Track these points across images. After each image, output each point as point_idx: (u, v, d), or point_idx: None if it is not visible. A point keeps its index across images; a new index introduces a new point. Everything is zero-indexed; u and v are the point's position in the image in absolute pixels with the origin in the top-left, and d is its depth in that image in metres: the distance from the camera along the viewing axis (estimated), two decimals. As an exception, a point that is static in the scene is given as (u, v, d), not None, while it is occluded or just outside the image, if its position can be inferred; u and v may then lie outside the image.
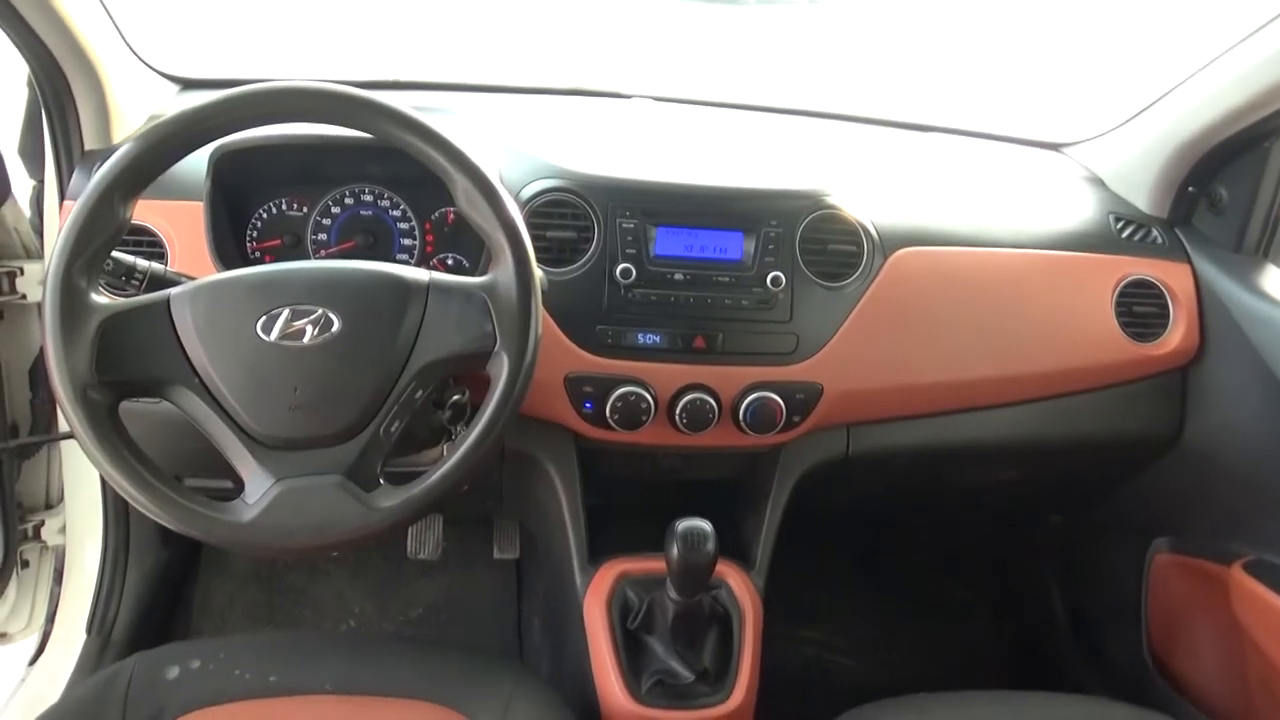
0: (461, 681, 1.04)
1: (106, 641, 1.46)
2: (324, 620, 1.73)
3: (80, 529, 1.46)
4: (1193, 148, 1.29)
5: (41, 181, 1.30)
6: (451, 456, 0.89)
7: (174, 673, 1.02)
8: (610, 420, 1.14)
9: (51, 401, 1.39)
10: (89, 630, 1.46)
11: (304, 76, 1.59)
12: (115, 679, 1.01)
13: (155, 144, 0.85)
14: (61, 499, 1.47)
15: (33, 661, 1.48)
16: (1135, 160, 1.40)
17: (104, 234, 0.85)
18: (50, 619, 1.50)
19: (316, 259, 1.21)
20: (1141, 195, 1.39)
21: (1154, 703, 1.08)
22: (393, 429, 0.89)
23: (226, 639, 1.09)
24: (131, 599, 1.48)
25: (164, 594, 1.60)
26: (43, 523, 1.46)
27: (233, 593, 1.73)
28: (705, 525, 1.02)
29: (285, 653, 1.07)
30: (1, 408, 1.33)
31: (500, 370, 0.89)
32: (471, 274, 1.22)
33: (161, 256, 1.14)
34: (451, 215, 1.21)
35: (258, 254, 1.21)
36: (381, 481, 0.89)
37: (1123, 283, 1.29)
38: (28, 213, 1.34)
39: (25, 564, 1.47)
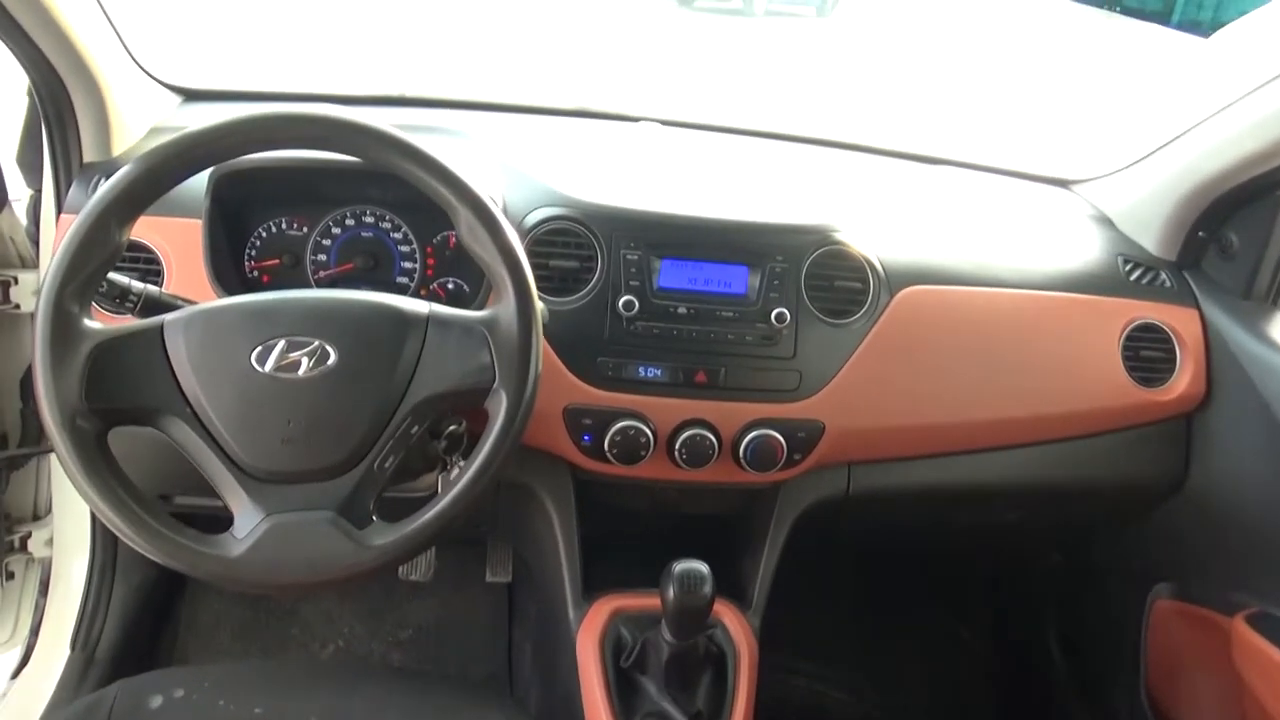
0: (449, 715, 1.02)
1: (91, 659, 1.44)
2: (313, 640, 1.70)
3: (68, 542, 1.44)
4: (1204, 192, 1.28)
5: (39, 191, 1.28)
6: (446, 494, 0.87)
7: (157, 702, 1.00)
8: (609, 454, 1.13)
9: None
10: (73, 646, 1.43)
11: (308, 91, 1.60)
12: (97, 707, 0.99)
13: (153, 168, 0.84)
14: (50, 511, 1.45)
15: (15, 675, 1.46)
16: (1145, 201, 1.39)
17: (99, 258, 0.83)
18: (35, 632, 1.48)
19: (316, 282, 1.19)
20: (1150, 237, 1.38)
21: None
22: (387, 464, 0.87)
23: (211, 667, 1.07)
24: (117, 616, 1.46)
25: (150, 611, 1.57)
26: (30, 534, 1.45)
27: (220, 612, 1.71)
28: (702, 567, 1.00)
29: (271, 683, 1.05)
30: (-10, 421, 1.31)
31: (499, 408, 0.88)
32: (472, 299, 1.21)
33: (158, 274, 1.12)
34: (453, 239, 1.19)
35: (255, 273, 1.19)
36: (374, 518, 0.87)
37: (1130, 326, 1.28)
38: (24, 222, 1.32)
39: (10, 575, 1.45)
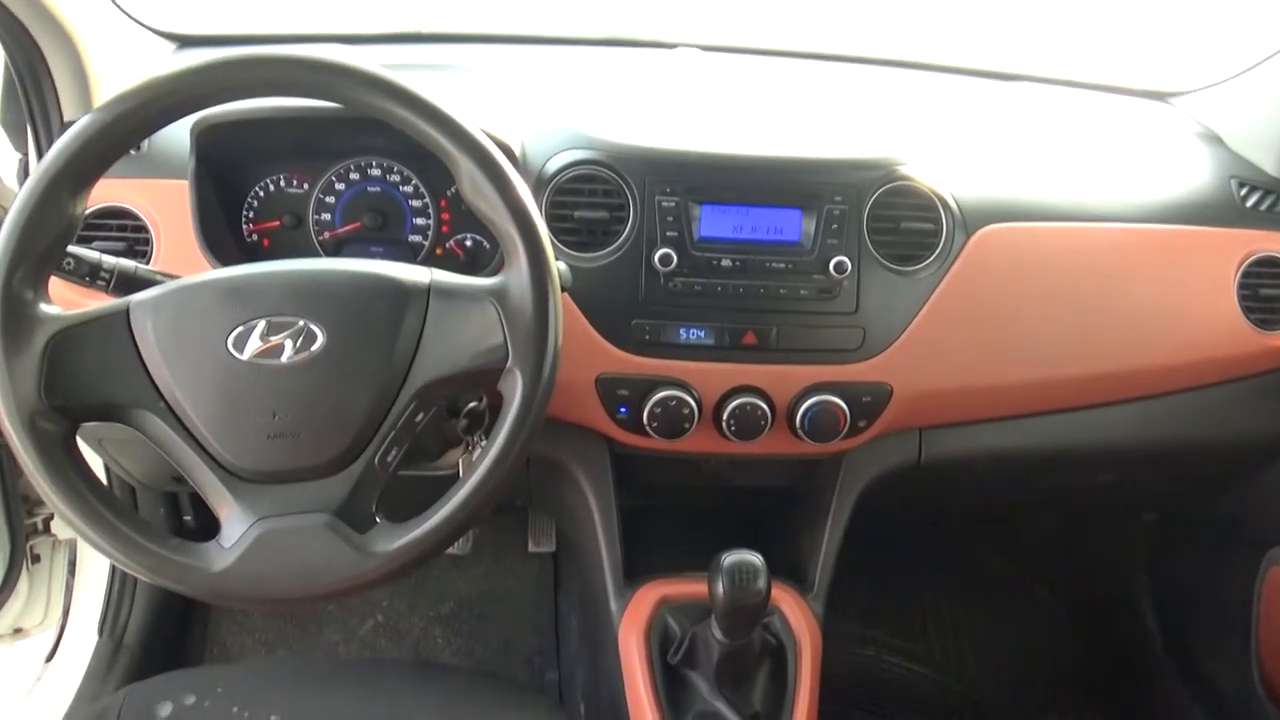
0: (481, 717, 0.93)
1: (119, 645, 1.39)
2: (351, 617, 1.64)
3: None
4: (1338, 100, 1.10)
5: (27, 155, 1.19)
6: (459, 491, 0.76)
7: (166, 710, 0.93)
8: (648, 427, 1.02)
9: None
10: (100, 632, 1.39)
11: (314, 31, 1.47)
12: (104, 717, 0.92)
13: (103, 128, 0.72)
14: (70, 491, 1.40)
15: (49, 658, 1.43)
16: (1262, 113, 1.22)
17: (50, 234, 0.73)
18: (66, 613, 1.44)
19: (320, 244, 1.08)
20: (1270, 155, 1.21)
21: None
22: (389, 458, 0.77)
23: (224, 668, 1.00)
24: (144, 598, 1.41)
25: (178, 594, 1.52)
26: (51, 516, 1.40)
27: (253, 588, 1.65)
28: (755, 559, 0.89)
29: (287, 685, 0.97)
30: None
31: (514, 390, 0.76)
32: (493, 257, 1.09)
33: (146, 243, 1.02)
34: None
35: (255, 237, 1.09)
36: (378, 520, 0.76)
37: (1247, 261, 1.12)
38: (15, 188, 1.23)
39: (36, 559, 1.41)
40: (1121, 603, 1.59)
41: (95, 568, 1.39)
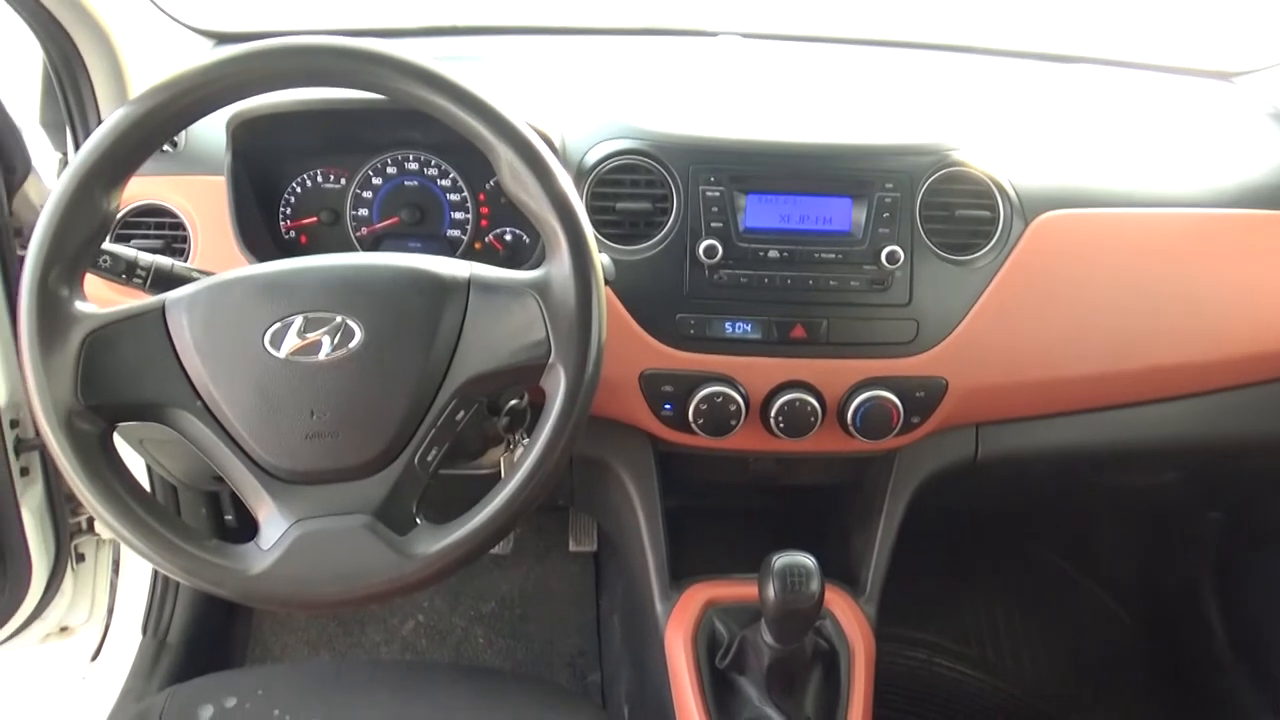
0: None
1: (162, 643, 1.40)
2: (392, 616, 1.63)
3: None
4: None
5: (66, 154, 1.19)
6: (500, 492, 0.74)
7: (208, 713, 0.93)
8: (694, 424, 0.99)
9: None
10: (144, 630, 1.39)
11: (352, 26, 1.46)
12: (146, 717, 0.91)
13: (137, 122, 0.71)
14: (114, 490, 1.40)
15: (94, 658, 1.44)
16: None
17: (85, 231, 0.72)
18: (111, 612, 1.44)
19: (358, 240, 1.07)
20: (1346, 135, 1.14)
21: None
22: (429, 458, 0.75)
23: (267, 669, 0.99)
24: (187, 597, 1.42)
25: None
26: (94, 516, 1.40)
27: (295, 588, 1.65)
28: (807, 560, 0.85)
29: (331, 687, 0.96)
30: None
31: (556, 386, 0.73)
32: (532, 251, 1.07)
33: (184, 240, 1.01)
34: None
35: (292, 234, 1.07)
36: (418, 521, 0.74)
37: None
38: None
39: (81, 558, 1.41)
40: (1185, 604, 1.53)
41: (139, 567, 1.39)
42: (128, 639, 1.39)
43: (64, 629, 1.47)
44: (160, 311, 0.73)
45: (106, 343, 0.72)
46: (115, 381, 0.72)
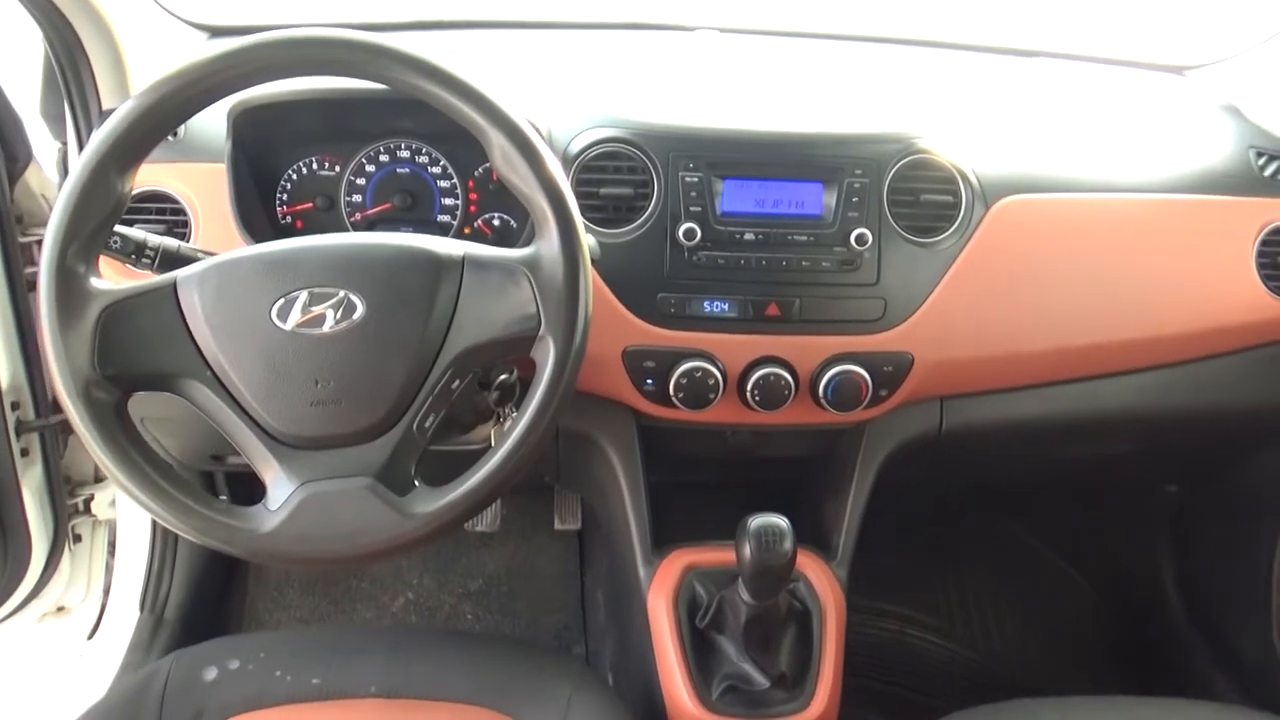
0: (516, 684, 0.96)
1: (159, 620, 1.43)
2: (382, 594, 1.67)
3: (130, 502, 1.42)
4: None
5: (66, 144, 1.22)
6: (495, 453, 0.79)
7: (212, 674, 0.97)
8: (675, 398, 1.03)
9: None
10: (141, 607, 1.42)
11: (341, 20, 1.50)
12: (152, 680, 0.96)
13: (150, 108, 0.75)
14: (110, 472, 1.44)
15: (90, 636, 1.47)
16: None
17: (100, 212, 0.76)
18: (107, 592, 1.48)
19: (352, 225, 1.11)
20: (1288, 125, 1.21)
21: None
22: (427, 424, 0.79)
23: (268, 635, 1.03)
24: (183, 576, 1.45)
25: (217, 570, 1.56)
26: (92, 497, 1.44)
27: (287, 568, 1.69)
28: (781, 521, 0.91)
29: (329, 651, 1.00)
30: (39, 383, 1.28)
31: (546, 356, 0.78)
32: (519, 235, 1.11)
33: (185, 225, 1.05)
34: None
35: (288, 219, 1.11)
36: (416, 484, 0.79)
37: (1266, 229, 1.13)
38: (54, 178, 1.27)
39: (78, 538, 1.45)
40: (1144, 575, 1.59)
41: (135, 546, 1.43)
42: (125, 616, 1.43)
43: (60, 609, 1.50)
44: (172, 287, 0.77)
45: (122, 316, 0.76)
46: (130, 353, 0.76)
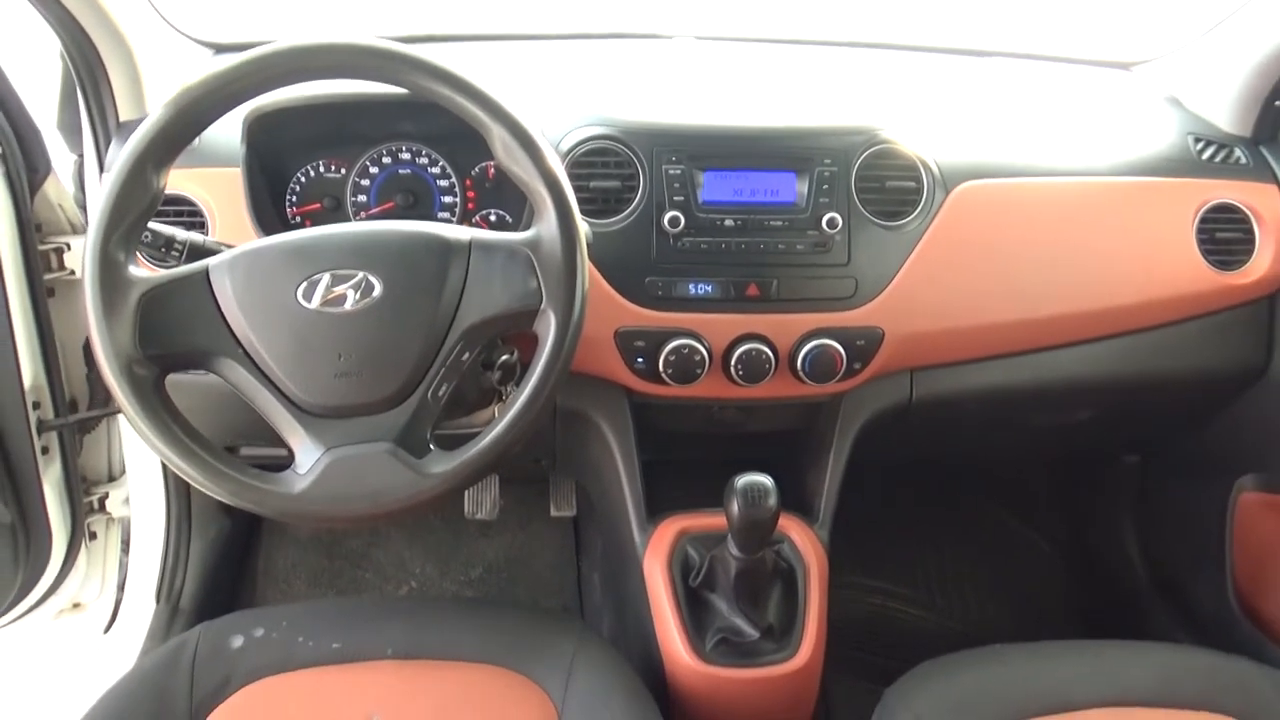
0: (524, 643, 1.03)
1: (175, 609, 1.49)
2: (386, 583, 1.74)
3: (144, 500, 1.48)
4: (1278, 58, 1.20)
5: (82, 155, 1.29)
6: (503, 418, 0.86)
7: (239, 641, 1.03)
8: (664, 374, 1.11)
9: (108, 375, 1.39)
10: (158, 599, 1.48)
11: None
12: (181, 649, 1.01)
13: (184, 109, 0.82)
14: (124, 471, 1.49)
15: (107, 629, 1.52)
16: (1214, 76, 1.31)
17: (139, 205, 0.83)
18: (121, 587, 1.53)
19: (357, 221, 1.18)
20: (1223, 113, 1.31)
21: (1241, 648, 1.02)
22: (440, 392, 0.87)
23: (289, 606, 1.09)
24: (197, 567, 1.50)
25: (228, 561, 1.62)
26: (107, 495, 1.49)
27: (295, 559, 1.75)
28: (765, 480, 0.99)
29: (347, 619, 1.07)
30: (59, 384, 1.34)
31: (548, 328, 0.86)
32: (515, 229, 1.19)
33: (202, 226, 1.12)
34: (492, 170, 1.17)
35: (298, 219, 1.18)
36: (432, 447, 0.86)
37: (1204, 208, 1.22)
38: (70, 188, 1.33)
39: (93, 536, 1.50)
40: (1110, 543, 1.68)
41: (150, 539, 1.48)
42: (142, 607, 1.48)
43: (76, 605, 1.55)
44: (205, 274, 0.85)
45: (160, 301, 0.83)
46: (168, 333, 0.83)
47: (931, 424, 1.29)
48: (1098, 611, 1.71)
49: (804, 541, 1.13)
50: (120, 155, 0.82)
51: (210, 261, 0.86)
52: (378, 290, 0.84)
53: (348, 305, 0.84)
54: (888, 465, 1.59)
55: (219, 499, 0.83)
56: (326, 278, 0.84)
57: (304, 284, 0.84)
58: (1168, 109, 1.36)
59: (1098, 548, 1.72)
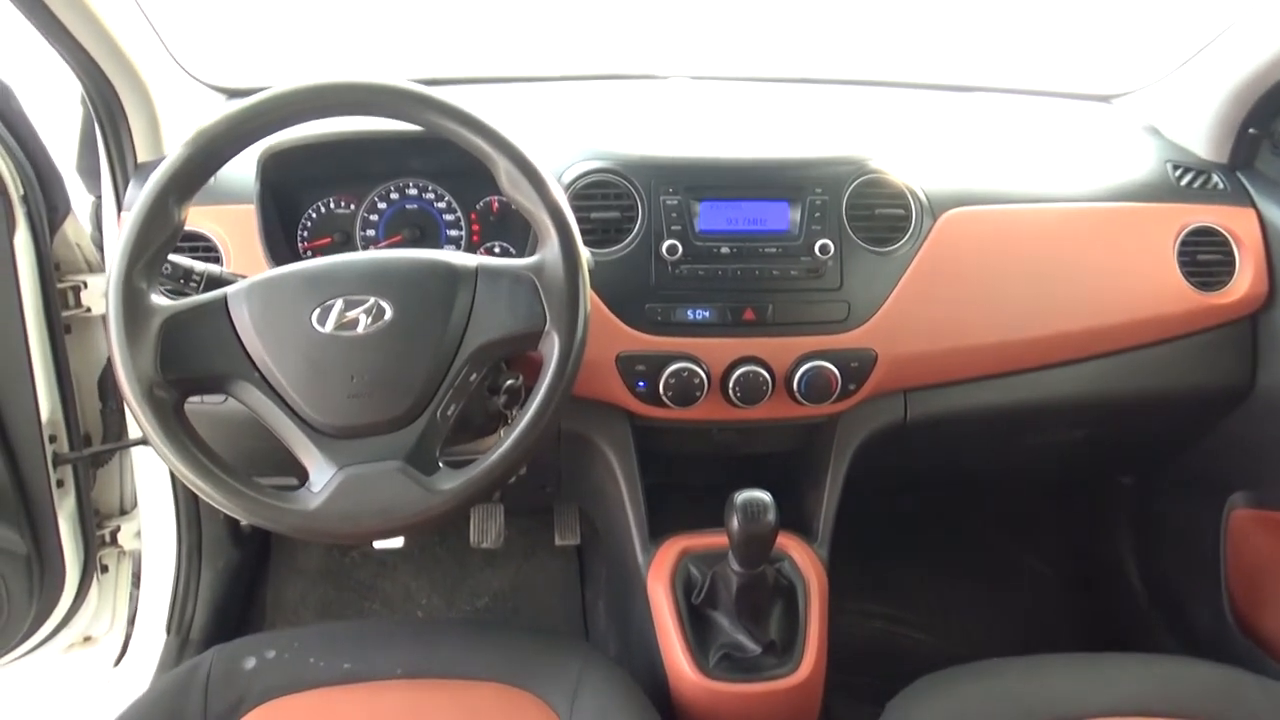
0: (531, 663, 1.04)
1: (185, 640, 1.50)
2: (392, 614, 1.75)
3: (155, 533, 1.50)
4: (1251, 87, 1.25)
5: (100, 197, 1.33)
6: (509, 437, 0.89)
7: (251, 663, 1.05)
8: (664, 397, 1.14)
9: (121, 410, 1.43)
10: (168, 630, 1.50)
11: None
12: (195, 671, 1.03)
13: (205, 145, 0.87)
14: (135, 505, 1.52)
15: (117, 663, 1.53)
16: (1191, 105, 1.36)
17: (161, 237, 0.87)
18: (131, 621, 1.54)
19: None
20: (1200, 140, 1.35)
21: (1238, 663, 1.04)
22: (449, 412, 0.90)
23: (300, 629, 1.11)
24: (207, 598, 1.52)
25: (237, 593, 1.64)
26: (119, 528, 1.51)
27: (304, 590, 1.77)
28: (764, 496, 1.01)
29: (357, 641, 1.09)
30: (74, 418, 1.37)
31: (552, 349, 0.89)
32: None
33: (217, 261, 1.16)
34: (496, 204, 1.22)
35: (309, 253, 1.22)
36: (441, 465, 0.89)
37: (1184, 231, 1.26)
38: (88, 228, 1.38)
39: (104, 569, 1.52)
40: (1108, 564, 1.70)
41: (161, 572, 1.50)
42: (152, 639, 1.50)
43: (87, 638, 1.57)
44: (224, 301, 0.88)
45: (180, 327, 0.86)
46: (188, 359, 0.86)
47: (927, 444, 1.32)
48: (1098, 631, 1.72)
49: (804, 559, 1.15)
50: (144, 188, 0.86)
51: (229, 289, 0.89)
52: (389, 315, 0.88)
53: (360, 329, 0.87)
54: (885, 486, 1.61)
55: (236, 517, 0.86)
56: (340, 303, 0.88)
57: (318, 309, 0.88)
58: (1147, 138, 1.41)
59: (1096, 569, 1.74)
